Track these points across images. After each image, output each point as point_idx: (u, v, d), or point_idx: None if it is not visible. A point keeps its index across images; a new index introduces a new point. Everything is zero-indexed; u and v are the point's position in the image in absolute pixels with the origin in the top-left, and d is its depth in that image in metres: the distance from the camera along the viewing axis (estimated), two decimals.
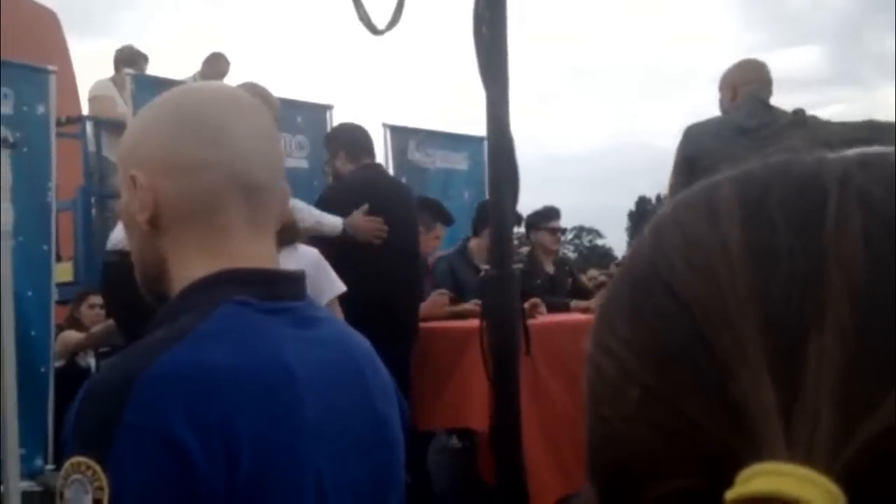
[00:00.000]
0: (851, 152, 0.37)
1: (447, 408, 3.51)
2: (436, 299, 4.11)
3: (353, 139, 3.98)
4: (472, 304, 3.87)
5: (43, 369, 4.61)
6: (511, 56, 2.17)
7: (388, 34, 2.26)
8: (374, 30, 2.22)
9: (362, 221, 3.50)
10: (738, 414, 0.33)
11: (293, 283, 1.02)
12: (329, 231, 3.44)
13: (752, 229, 0.35)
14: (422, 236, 4.39)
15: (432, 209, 4.65)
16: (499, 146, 2.05)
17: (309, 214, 3.41)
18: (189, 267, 0.96)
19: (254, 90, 3.83)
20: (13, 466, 3.36)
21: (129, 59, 6.24)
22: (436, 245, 4.71)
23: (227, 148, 0.96)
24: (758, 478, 0.31)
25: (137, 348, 0.89)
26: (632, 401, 0.36)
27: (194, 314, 0.91)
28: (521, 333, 2.05)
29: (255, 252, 0.97)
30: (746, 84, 3.84)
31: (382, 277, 3.48)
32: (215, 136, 0.96)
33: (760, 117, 3.68)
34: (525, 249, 5.43)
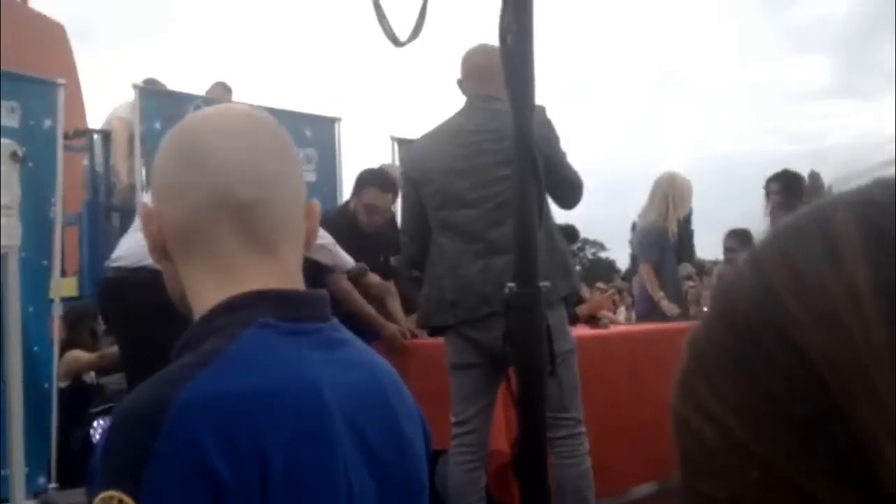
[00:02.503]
0: None
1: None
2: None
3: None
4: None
5: (46, 385, 4.54)
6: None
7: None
8: (396, 42, 2.16)
9: None
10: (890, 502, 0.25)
11: (315, 303, 0.99)
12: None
13: (883, 266, 0.28)
14: None
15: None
16: (524, 159, 1.99)
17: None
18: (200, 294, 0.96)
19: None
20: (19, 485, 3.29)
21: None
22: None
23: (208, 169, 0.94)
24: None
25: (166, 375, 0.87)
26: (749, 481, 0.29)
27: (219, 338, 0.90)
28: (546, 354, 1.98)
29: (262, 272, 0.95)
30: (464, 77, 3.16)
31: None
32: (198, 158, 0.95)
33: (475, 117, 3.07)
34: None
